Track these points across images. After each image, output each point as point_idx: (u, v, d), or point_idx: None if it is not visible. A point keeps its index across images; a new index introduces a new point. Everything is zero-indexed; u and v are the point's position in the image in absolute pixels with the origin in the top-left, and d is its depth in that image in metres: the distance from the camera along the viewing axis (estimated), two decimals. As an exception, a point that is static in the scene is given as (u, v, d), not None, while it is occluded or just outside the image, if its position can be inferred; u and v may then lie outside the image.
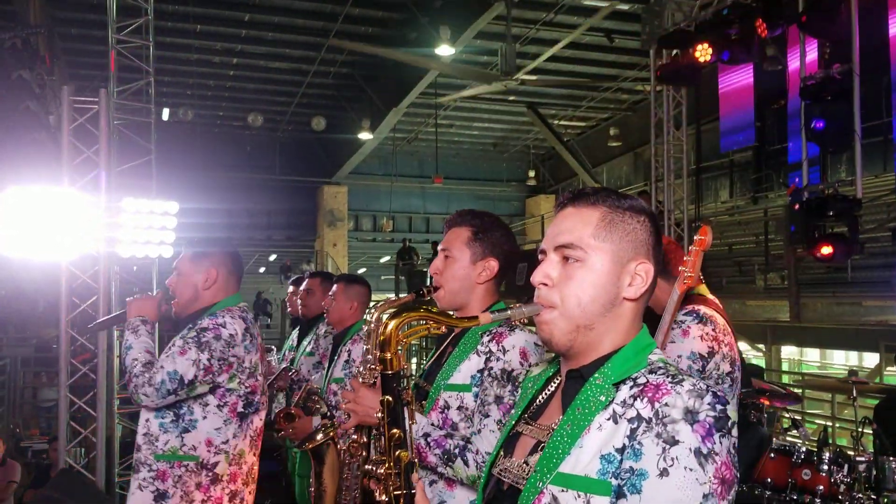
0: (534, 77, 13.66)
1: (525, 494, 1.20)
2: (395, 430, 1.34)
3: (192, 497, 2.59)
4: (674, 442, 1.07)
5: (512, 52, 12.77)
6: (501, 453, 1.34)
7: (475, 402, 1.94)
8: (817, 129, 6.41)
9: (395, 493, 1.33)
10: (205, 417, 2.63)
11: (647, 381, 1.15)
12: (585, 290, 1.24)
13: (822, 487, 3.86)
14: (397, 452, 1.34)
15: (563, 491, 1.15)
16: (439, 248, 2.14)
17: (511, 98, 17.53)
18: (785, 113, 11.42)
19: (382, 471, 1.34)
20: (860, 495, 3.88)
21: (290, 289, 4.98)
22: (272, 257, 26.84)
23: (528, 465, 1.24)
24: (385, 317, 1.36)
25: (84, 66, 14.67)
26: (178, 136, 17.22)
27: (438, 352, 2.20)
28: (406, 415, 1.37)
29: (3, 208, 5.33)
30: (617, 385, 1.18)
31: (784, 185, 12.57)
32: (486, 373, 1.93)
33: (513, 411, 1.42)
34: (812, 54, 7.46)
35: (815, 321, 8.43)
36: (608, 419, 1.15)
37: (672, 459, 1.07)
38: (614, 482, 1.11)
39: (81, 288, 6.10)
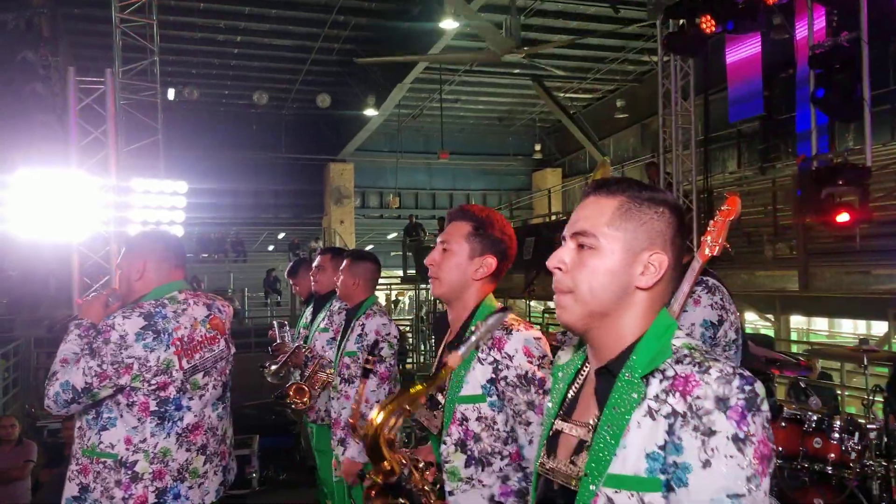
0: (539, 49, 13.58)
1: (580, 499, 1.24)
2: None
3: (113, 493, 2.58)
4: (711, 433, 1.12)
5: (517, 25, 12.69)
6: (545, 453, 1.38)
7: (492, 410, 1.96)
8: (822, 98, 6.37)
9: None
10: (121, 416, 2.60)
11: (676, 374, 1.19)
12: (597, 278, 1.28)
13: (833, 455, 3.89)
14: None
15: (616, 492, 1.19)
16: (438, 240, 2.14)
17: (516, 71, 17.42)
18: (793, 82, 11.32)
19: None
20: (871, 462, 3.90)
21: (317, 258, 5.03)
22: (281, 235, 26.91)
23: (575, 465, 1.29)
24: (368, 420, 1.34)
25: (88, 45, 14.64)
26: (184, 116, 17.22)
27: (439, 356, 2.22)
28: (427, 501, 1.41)
29: (14, 191, 5.36)
30: (646, 378, 1.22)
31: (792, 155, 12.50)
32: (500, 383, 1.95)
33: (548, 404, 1.45)
34: (820, 23, 7.38)
35: (824, 290, 8.42)
36: (645, 416, 1.19)
37: (712, 450, 1.11)
38: (662, 477, 1.16)
39: (93, 268, 6.16)
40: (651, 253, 1.28)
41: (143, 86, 7.00)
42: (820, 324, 11.99)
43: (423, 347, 15.34)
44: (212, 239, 23.73)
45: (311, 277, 4.45)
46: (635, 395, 1.21)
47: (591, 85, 19.13)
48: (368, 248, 25.45)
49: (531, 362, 1.94)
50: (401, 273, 19.15)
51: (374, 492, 2.02)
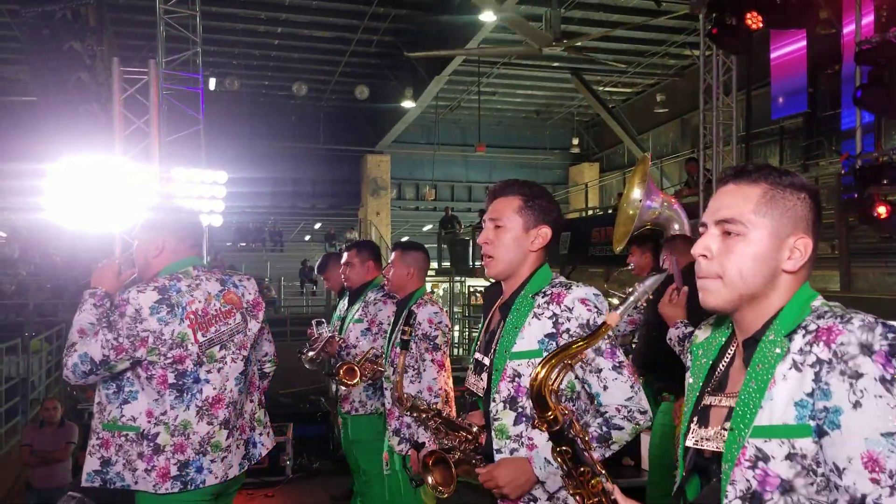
0: (579, 42, 13.46)
1: (727, 453, 1.29)
2: (583, 469, 1.45)
3: (135, 466, 2.62)
4: (858, 375, 1.16)
5: (557, 17, 12.60)
6: (695, 425, 1.42)
7: None
8: (865, 96, 6.24)
9: None
10: (142, 389, 2.64)
11: (819, 327, 1.24)
12: (746, 263, 1.33)
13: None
14: (591, 482, 1.45)
15: (765, 442, 1.24)
16: (487, 218, 2.13)
17: (555, 65, 17.30)
18: (838, 79, 11.08)
19: (591, 503, 1.45)
20: None
21: (343, 255, 5.09)
22: (317, 225, 27.10)
23: (726, 430, 1.33)
24: (533, 374, 1.44)
25: (132, 36, 14.87)
26: (224, 106, 17.40)
27: (487, 321, 2.21)
28: (585, 450, 1.47)
29: (59, 178, 5.48)
30: (789, 336, 1.27)
31: (836, 153, 12.24)
32: (563, 336, 1.95)
33: (690, 380, 1.50)
34: (868, 18, 7.21)
35: (866, 291, 8.26)
36: (790, 368, 1.24)
37: (861, 391, 1.15)
38: (812, 423, 1.20)
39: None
40: (797, 238, 1.33)
41: (185, 76, 7.09)
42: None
43: (457, 339, 15.37)
44: (250, 228, 24.00)
45: (342, 274, 4.49)
46: (778, 351, 1.27)
47: (630, 79, 18.92)
48: (403, 239, 25.53)
49: (590, 310, 1.96)
50: (435, 265, 19.19)
51: (431, 460, 2.08)
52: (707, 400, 1.42)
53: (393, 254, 3.71)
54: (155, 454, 2.61)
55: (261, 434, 2.98)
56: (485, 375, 2.08)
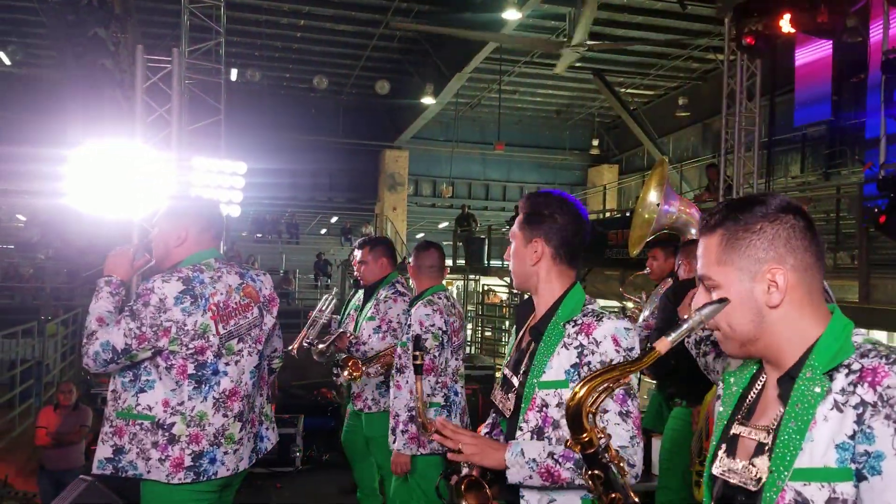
0: (602, 43, 13.39)
1: (766, 494, 1.26)
2: (614, 495, 1.44)
3: (149, 455, 2.61)
4: None
5: (580, 17, 12.53)
6: (722, 453, 1.41)
7: None
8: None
9: None
10: (160, 378, 2.63)
11: (863, 367, 1.21)
12: (730, 315, 1.33)
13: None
14: None
15: (805, 485, 1.21)
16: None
17: (577, 65, 17.24)
18: (864, 87, 10.96)
19: None
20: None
21: (357, 253, 5.10)
22: (333, 219, 27.17)
23: (754, 466, 1.31)
24: (571, 393, 1.40)
25: (155, 24, 14.95)
26: (245, 97, 17.48)
27: (518, 339, 2.18)
28: (620, 475, 1.45)
29: (79, 163, 5.51)
30: (829, 374, 1.24)
31: (859, 162, 12.10)
32: (583, 368, 1.92)
33: (720, 408, 1.48)
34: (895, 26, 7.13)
35: (885, 303, 8.17)
36: (832, 409, 1.21)
37: None
38: (853, 467, 1.17)
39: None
40: (767, 272, 1.30)
41: (207, 66, 7.13)
42: (879, 337, 11.63)
43: (470, 337, 15.35)
44: (266, 220, 24.12)
45: (357, 271, 4.51)
46: (818, 390, 1.23)
47: (653, 81, 18.82)
48: (419, 236, 25.54)
49: (618, 351, 1.92)
50: (450, 263, 19.19)
51: (464, 485, 2.04)
52: (736, 429, 1.40)
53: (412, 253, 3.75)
54: (170, 444, 2.61)
55: (267, 428, 2.98)
56: (513, 396, 2.05)
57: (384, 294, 4.25)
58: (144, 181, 5.71)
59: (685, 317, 1.36)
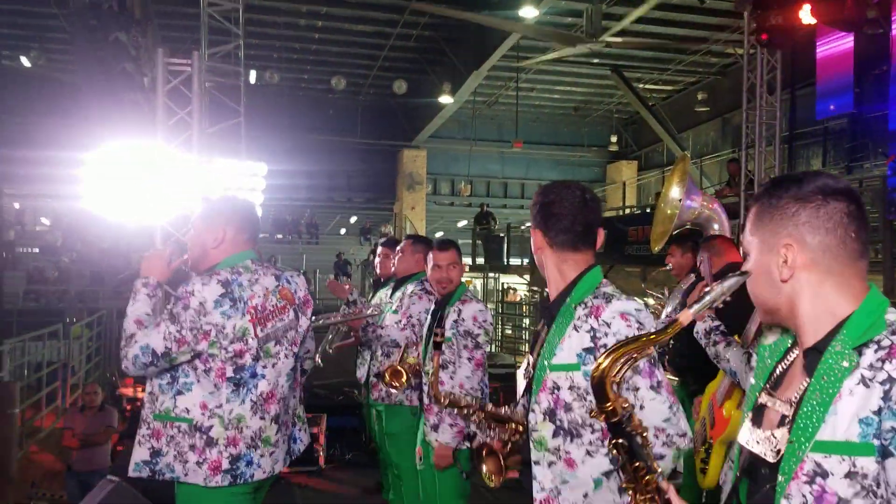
0: (619, 39, 13.32)
1: (785, 465, 1.28)
2: (638, 464, 1.46)
3: (186, 458, 2.60)
4: None
5: (598, 13, 12.48)
6: (749, 423, 1.43)
7: (586, 380, 1.91)
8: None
9: None
10: (198, 381, 2.63)
11: (893, 343, 1.20)
12: (752, 283, 1.40)
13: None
14: (646, 478, 1.46)
15: (825, 457, 1.22)
16: None
17: (595, 61, 17.17)
18: (886, 78, 10.82)
19: (644, 499, 1.46)
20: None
21: (380, 251, 5.14)
22: (353, 219, 27.25)
23: (775, 437, 1.33)
24: (596, 363, 1.44)
25: (175, 28, 15.08)
26: (264, 99, 17.56)
27: (539, 328, 2.19)
28: (643, 445, 1.47)
29: (100, 167, 5.57)
30: (858, 349, 1.24)
31: (882, 155, 11.95)
32: (599, 350, 1.91)
33: (752, 379, 1.51)
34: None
35: (911, 297, 8.08)
36: (858, 384, 1.20)
37: None
38: (876, 442, 1.17)
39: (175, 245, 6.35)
40: (782, 245, 1.34)
41: (227, 68, 7.17)
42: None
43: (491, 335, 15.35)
44: (287, 220, 24.26)
45: (391, 262, 4.54)
46: (846, 364, 1.23)
47: (671, 76, 18.71)
48: (438, 234, 25.55)
49: (629, 326, 1.92)
50: (469, 261, 19.18)
51: (486, 451, 2.08)
52: (763, 399, 1.42)
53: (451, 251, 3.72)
54: (207, 447, 2.60)
55: (300, 430, 2.98)
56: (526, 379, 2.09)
57: (411, 289, 4.25)
58: (166, 184, 5.76)
59: (707, 289, 1.38)
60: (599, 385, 1.42)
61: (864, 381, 1.19)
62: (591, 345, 1.93)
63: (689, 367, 3.98)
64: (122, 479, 4.51)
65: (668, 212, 5.79)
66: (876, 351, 1.21)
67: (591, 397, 1.92)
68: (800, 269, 1.32)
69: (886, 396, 1.16)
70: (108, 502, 4.34)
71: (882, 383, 1.17)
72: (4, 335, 10.98)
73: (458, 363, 3.39)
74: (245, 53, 7.56)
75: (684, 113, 19.16)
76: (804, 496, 1.23)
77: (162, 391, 2.65)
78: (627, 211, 17.99)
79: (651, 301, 5.59)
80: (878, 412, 1.16)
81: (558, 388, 1.96)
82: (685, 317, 1.38)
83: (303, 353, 3.07)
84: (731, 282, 1.36)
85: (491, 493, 4.82)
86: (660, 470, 1.45)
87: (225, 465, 2.61)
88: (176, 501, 2.71)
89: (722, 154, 17.28)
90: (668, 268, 5.14)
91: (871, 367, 1.20)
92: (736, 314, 2.95)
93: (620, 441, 1.45)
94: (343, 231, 28.45)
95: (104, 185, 5.57)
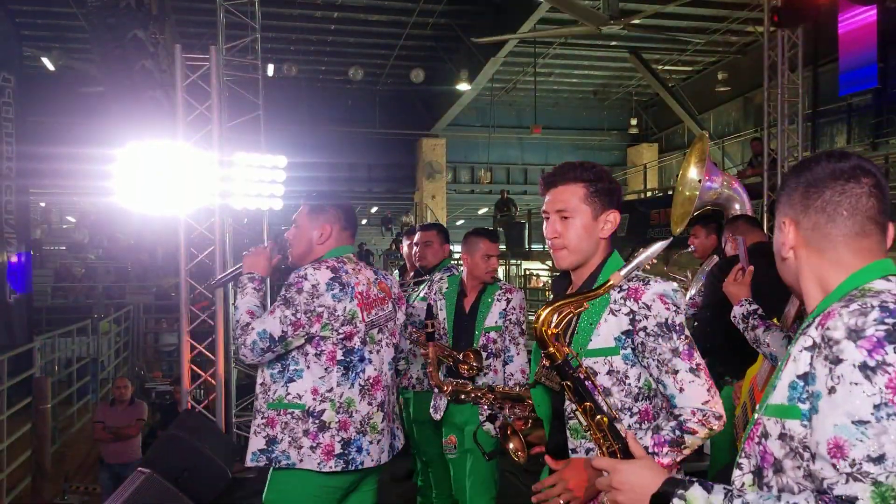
0: (638, 21, 13.18)
1: (748, 427, 1.38)
2: (586, 404, 1.62)
3: (301, 443, 2.68)
4: (837, 361, 1.16)
5: (615, -5, 12.34)
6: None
7: (625, 363, 1.94)
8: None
9: (611, 450, 1.58)
10: (308, 367, 2.71)
11: (828, 311, 1.24)
12: (777, 262, 1.45)
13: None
14: (597, 419, 1.60)
15: (768, 419, 1.29)
16: (552, 210, 2.06)
17: (613, 43, 17.02)
18: (911, 52, 10.64)
19: (598, 437, 1.61)
20: None
21: (406, 241, 5.15)
22: (373, 209, 27.31)
23: None
24: (536, 315, 1.61)
25: (191, 23, 15.15)
26: (282, 92, 17.62)
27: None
28: (590, 387, 1.62)
29: (125, 164, 5.63)
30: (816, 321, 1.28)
31: (908, 130, 11.78)
32: (639, 334, 1.92)
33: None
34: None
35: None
36: (800, 350, 1.25)
37: (837, 378, 1.15)
38: (803, 407, 1.22)
39: (198, 239, 6.41)
40: (781, 223, 1.41)
41: (244, 62, 7.19)
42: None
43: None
44: (307, 212, 24.32)
45: (417, 253, 4.54)
46: (801, 337, 1.28)
47: (690, 57, 18.51)
48: (459, 223, 25.57)
49: (668, 308, 1.93)
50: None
51: (509, 430, 2.19)
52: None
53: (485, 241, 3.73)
54: (320, 431, 2.68)
55: (398, 427, 3.04)
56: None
57: (439, 276, 4.28)
58: (189, 179, 5.81)
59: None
60: (541, 335, 1.68)
61: (804, 349, 1.24)
62: (630, 328, 1.93)
63: (714, 349, 3.96)
64: (153, 470, 4.59)
65: (687, 193, 5.75)
66: (816, 319, 1.25)
67: (629, 381, 1.96)
68: (797, 247, 1.38)
69: (811, 362, 1.20)
70: (140, 493, 4.42)
71: (808, 349, 1.22)
72: (34, 332, 11.17)
73: (514, 351, 3.51)
74: (262, 47, 7.56)
75: (705, 93, 18.96)
76: (756, 455, 1.32)
77: (274, 380, 2.75)
78: (649, 194, 17.87)
79: (674, 285, 5.56)
80: (804, 376, 1.22)
81: (595, 374, 1.95)
82: (615, 278, 1.70)
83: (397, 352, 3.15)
84: (655, 246, 1.59)
85: (521, 481, 4.84)
86: (616, 416, 1.59)
87: (337, 448, 2.69)
88: (267, 487, 2.79)
89: (743, 134, 17.09)
90: (690, 249, 5.12)
91: (807, 334, 1.25)
92: (774, 297, 2.94)
93: (567, 383, 1.64)
94: (364, 221, 28.54)
95: (132, 181, 5.64)
